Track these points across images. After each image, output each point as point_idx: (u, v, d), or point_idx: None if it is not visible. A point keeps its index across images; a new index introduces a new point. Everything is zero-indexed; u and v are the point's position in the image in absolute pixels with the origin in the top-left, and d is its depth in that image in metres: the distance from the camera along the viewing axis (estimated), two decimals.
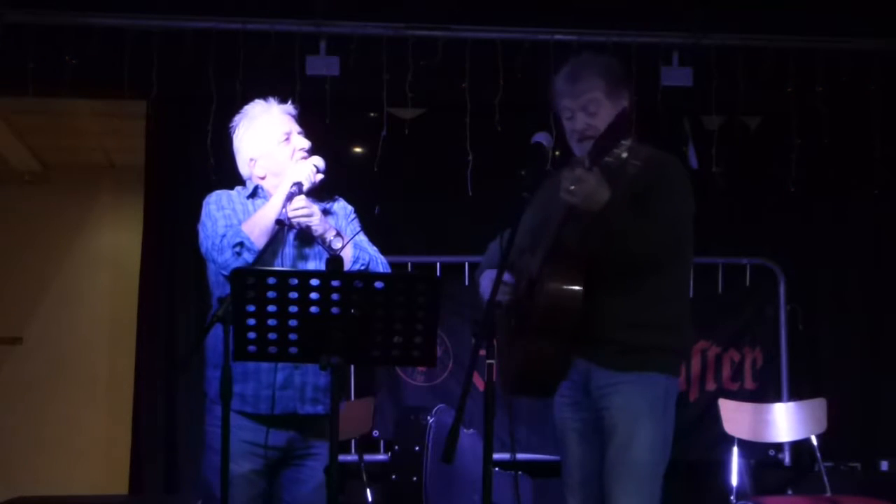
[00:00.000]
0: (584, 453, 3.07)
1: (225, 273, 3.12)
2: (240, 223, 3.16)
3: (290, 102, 3.34)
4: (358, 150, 5.83)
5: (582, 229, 2.93)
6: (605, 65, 3.14)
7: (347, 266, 3.09)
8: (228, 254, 3.08)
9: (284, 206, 3.11)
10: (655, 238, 2.95)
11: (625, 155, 3.01)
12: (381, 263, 3.26)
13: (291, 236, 3.20)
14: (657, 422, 2.98)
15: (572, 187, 2.85)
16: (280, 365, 3.09)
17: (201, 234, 3.21)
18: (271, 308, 2.59)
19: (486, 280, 3.14)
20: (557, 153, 5.00)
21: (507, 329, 3.12)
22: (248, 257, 3.07)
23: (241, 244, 3.08)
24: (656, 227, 2.95)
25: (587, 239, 2.93)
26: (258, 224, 3.11)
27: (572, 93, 3.07)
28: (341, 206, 3.37)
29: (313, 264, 3.19)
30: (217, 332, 2.86)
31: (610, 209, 2.87)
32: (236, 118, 3.33)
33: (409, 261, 5.54)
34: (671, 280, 3.05)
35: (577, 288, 2.92)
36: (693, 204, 3.06)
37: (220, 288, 3.20)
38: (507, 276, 3.06)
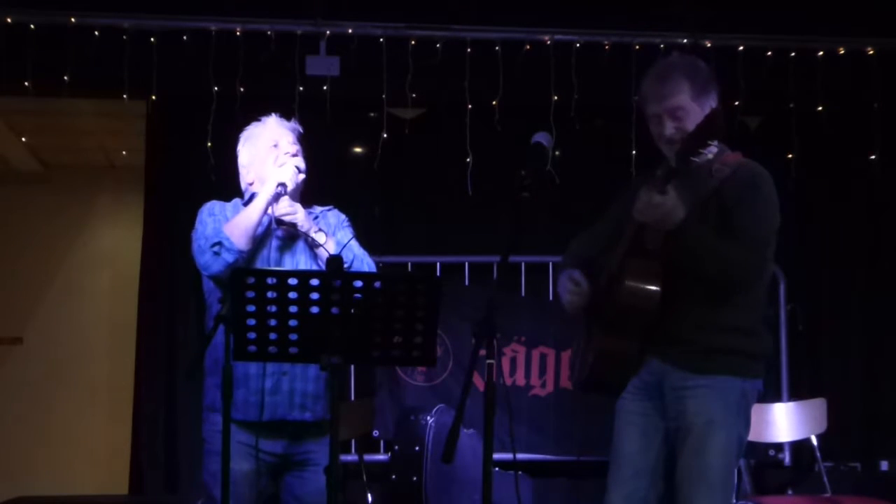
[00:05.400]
0: (639, 450, 3.06)
1: (206, 274, 3.15)
2: None
3: (292, 119, 3.38)
4: (358, 150, 5.83)
5: (661, 234, 2.95)
6: (690, 66, 3.09)
7: None
8: (208, 255, 3.11)
9: (270, 205, 3.14)
10: (734, 260, 2.95)
11: (711, 157, 3.02)
12: (366, 264, 3.26)
13: (276, 237, 3.21)
14: (731, 426, 2.97)
15: (643, 209, 2.89)
16: (268, 371, 3.10)
17: (193, 240, 3.22)
18: (271, 308, 2.59)
19: (563, 279, 3.17)
20: (557, 153, 5.04)
21: (585, 326, 3.16)
22: (227, 257, 3.07)
23: (219, 243, 3.09)
24: (737, 249, 2.94)
25: (667, 243, 2.94)
26: (239, 224, 3.13)
27: (658, 97, 3.04)
28: (334, 215, 3.39)
29: (300, 264, 3.20)
30: (214, 341, 2.86)
31: (688, 221, 2.88)
32: (241, 136, 3.38)
33: (409, 261, 5.53)
34: (750, 289, 3.05)
35: (653, 288, 2.94)
36: (779, 218, 3.06)
37: (212, 295, 3.22)
38: (577, 275, 3.13)
